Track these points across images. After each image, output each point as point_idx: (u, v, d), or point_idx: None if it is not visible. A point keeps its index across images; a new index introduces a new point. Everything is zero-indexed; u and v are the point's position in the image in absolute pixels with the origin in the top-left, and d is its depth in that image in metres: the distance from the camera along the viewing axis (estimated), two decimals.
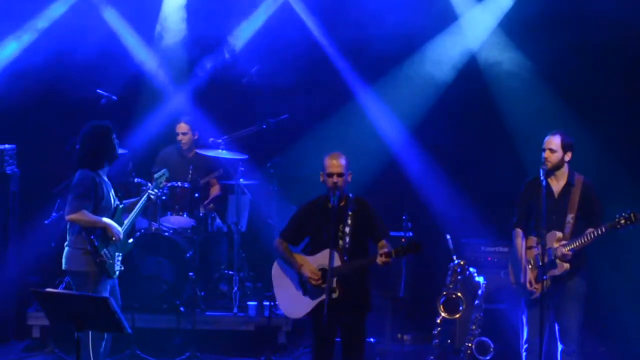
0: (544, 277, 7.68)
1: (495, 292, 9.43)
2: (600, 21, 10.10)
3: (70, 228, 7.71)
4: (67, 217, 7.62)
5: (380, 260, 7.29)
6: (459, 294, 9.05)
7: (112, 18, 11.16)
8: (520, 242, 7.97)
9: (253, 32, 11.27)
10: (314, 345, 7.62)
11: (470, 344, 9.05)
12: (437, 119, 10.84)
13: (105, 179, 7.79)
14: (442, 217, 10.52)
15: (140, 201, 7.98)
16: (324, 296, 7.34)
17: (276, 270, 7.73)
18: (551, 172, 7.91)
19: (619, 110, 10.44)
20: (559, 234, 7.82)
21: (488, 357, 9.13)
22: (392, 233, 7.55)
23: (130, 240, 7.89)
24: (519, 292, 8.05)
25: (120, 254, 7.71)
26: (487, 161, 10.80)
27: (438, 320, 9.10)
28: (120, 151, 7.90)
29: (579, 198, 7.87)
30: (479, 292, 9.11)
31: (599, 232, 7.66)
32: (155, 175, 8.31)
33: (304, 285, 7.56)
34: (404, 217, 9.11)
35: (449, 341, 9.30)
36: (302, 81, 10.97)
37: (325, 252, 7.40)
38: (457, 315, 9.09)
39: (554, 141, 7.87)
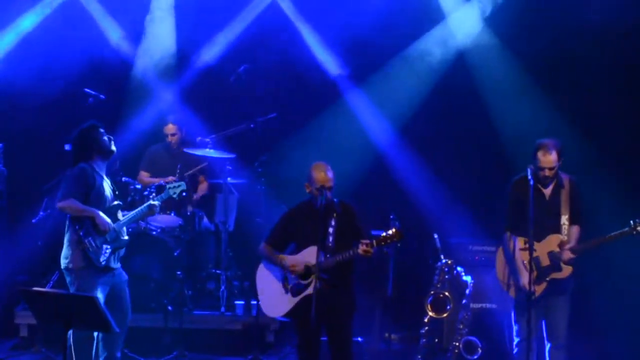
0: (545, 279, 7.73)
1: (482, 292, 9.45)
2: (591, 18, 10.11)
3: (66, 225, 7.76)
4: (57, 206, 7.72)
5: (361, 249, 7.25)
6: (447, 294, 9.07)
7: (100, 16, 11.14)
8: (512, 245, 7.85)
9: (241, 31, 11.27)
10: (300, 346, 7.64)
11: (457, 343, 9.07)
12: (424, 118, 10.85)
13: (103, 174, 7.81)
14: (430, 216, 10.53)
15: (141, 207, 8.05)
16: (304, 293, 7.45)
17: (260, 271, 7.81)
18: (551, 182, 7.86)
19: (612, 109, 10.40)
20: (562, 237, 7.78)
21: (475, 357, 9.15)
22: (379, 232, 7.51)
23: (125, 237, 7.87)
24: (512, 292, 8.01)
25: (109, 247, 7.69)
26: (475, 160, 10.83)
27: (426, 320, 9.13)
28: (112, 147, 7.85)
29: (569, 198, 7.83)
30: (467, 291, 9.13)
31: (610, 237, 7.61)
32: (169, 186, 8.29)
33: (286, 283, 7.62)
34: (391, 217, 9.10)
35: (436, 340, 9.30)
36: (290, 80, 10.98)
37: (308, 250, 7.48)
38: (445, 315, 9.12)
39: (552, 158, 7.71)
